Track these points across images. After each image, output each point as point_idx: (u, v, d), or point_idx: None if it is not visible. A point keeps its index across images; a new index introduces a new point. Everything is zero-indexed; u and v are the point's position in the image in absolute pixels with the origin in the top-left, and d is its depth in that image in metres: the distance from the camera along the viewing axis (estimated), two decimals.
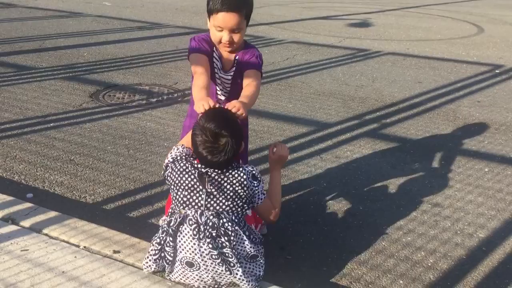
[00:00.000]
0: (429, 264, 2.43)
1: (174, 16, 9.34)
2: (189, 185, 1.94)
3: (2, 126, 3.88)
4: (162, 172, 2.07)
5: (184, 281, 2.03)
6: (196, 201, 1.94)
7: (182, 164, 1.97)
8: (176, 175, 1.96)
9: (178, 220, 1.96)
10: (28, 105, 4.33)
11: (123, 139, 3.72)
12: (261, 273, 2.06)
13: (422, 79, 5.71)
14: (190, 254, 1.94)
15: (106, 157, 3.42)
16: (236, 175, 1.95)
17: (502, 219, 2.85)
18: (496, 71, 6.18)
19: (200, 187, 1.93)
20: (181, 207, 1.96)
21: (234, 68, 2.26)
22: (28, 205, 2.57)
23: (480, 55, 7.03)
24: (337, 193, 3.07)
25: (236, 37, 2.13)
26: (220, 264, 1.94)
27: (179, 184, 1.95)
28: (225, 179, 1.94)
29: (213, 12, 2.09)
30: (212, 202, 1.93)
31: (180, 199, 1.96)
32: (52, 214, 2.50)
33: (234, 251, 1.93)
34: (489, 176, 3.38)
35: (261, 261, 2.05)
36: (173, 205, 2.02)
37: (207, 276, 1.99)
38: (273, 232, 2.60)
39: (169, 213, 2.06)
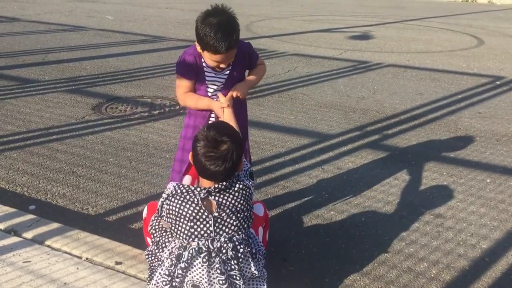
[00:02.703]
0: (432, 275, 2.42)
1: (176, 29, 9.41)
2: (193, 215, 1.86)
3: (5, 138, 3.90)
4: (158, 213, 1.98)
5: None
6: (204, 229, 1.87)
7: (179, 197, 1.89)
8: (176, 209, 1.88)
9: (193, 253, 1.87)
10: (31, 117, 4.35)
11: (125, 151, 3.73)
12: (265, 287, 2.03)
13: (423, 90, 5.73)
14: (198, 279, 1.90)
15: (108, 169, 3.43)
16: (237, 188, 1.91)
17: (505, 230, 2.84)
18: (497, 82, 6.20)
19: (206, 213, 1.86)
20: (190, 239, 1.89)
21: (228, 69, 2.36)
22: (30, 216, 2.58)
23: (481, 66, 7.06)
24: (339, 204, 3.07)
25: (231, 60, 2.31)
26: None
27: (182, 217, 1.87)
28: (229, 196, 1.89)
29: (209, 50, 2.18)
30: (221, 226, 1.88)
31: (186, 231, 1.88)
32: (55, 225, 2.50)
33: (241, 272, 1.91)
34: (491, 187, 3.38)
35: (265, 276, 2.03)
36: (178, 239, 1.94)
37: None
38: (275, 243, 2.60)
39: (155, 243, 2.07)
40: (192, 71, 2.32)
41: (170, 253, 1.98)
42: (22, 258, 2.21)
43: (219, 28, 2.13)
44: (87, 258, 2.26)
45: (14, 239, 2.36)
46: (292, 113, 4.75)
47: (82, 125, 4.22)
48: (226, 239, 1.88)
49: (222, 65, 2.28)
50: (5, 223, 2.49)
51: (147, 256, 2.13)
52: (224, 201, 1.88)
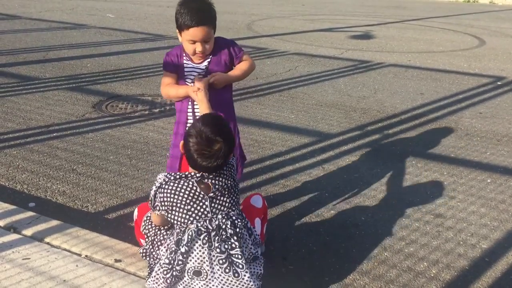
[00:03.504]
0: (432, 275, 2.42)
1: None
2: (189, 197, 1.90)
3: (6, 135, 3.90)
4: (150, 203, 2.00)
5: None
6: (201, 210, 1.92)
7: (173, 183, 1.92)
8: (172, 194, 1.91)
9: (192, 234, 1.90)
10: (31, 115, 4.35)
11: (126, 149, 3.73)
12: (262, 271, 2.05)
13: (424, 90, 5.72)
14: (199, 262, 1.92)
15: (108, 166, 3.43)
16: (226, 168, 1.98)
17: (505, 230, 2.84)
18: (498, 82, 6.20)
19: (202, 194, 1.91)
20: (188, 222, 1.92)
21: (207, 61, 2.45)
22: (30, 214, 2.58)
23: (482, 67, 7.05)
24: (339, 203, 3.07)
25: (207, 46, 2.37)
26: (227, 270, 1.92)
27: (178, 202, 1.91)
28: (221, 177, 1.96)
29: (183, 28, 2.32)
30: (216, 205, 1.94)
31: (183, 215, 1.92)
32: (54, 223, 2.50)
33: (242, 250, 1.93)
34: (491, 187, 3.38)
35: (261, 261, 2.06)
36: (176, 226, 1.97)
37: (213, 287, 1.96)
38: (275, 242, 2.59)
39: (150, 241, 2.10)
40: (174, 67, 2.47)
41: (167, 250, 1.99)
42: (21, 255, 2.21)
43: (192, 5, 2.31)
44: (86, 256, 2.25)
45: (13, 236, 2.36)
46: (292, 112, 4.75)
47: (82, 123, 4.22)
48: (223, 216, 1.93)
49: (198, 49, 2.34)
50: (5, 220, 2.49)
51: (142, 255, 2.15)
52: (218, 182, 1.94)
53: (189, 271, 1.95)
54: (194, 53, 2.38)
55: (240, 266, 1.93)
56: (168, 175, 1.96)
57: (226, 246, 1.92)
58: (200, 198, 1.91)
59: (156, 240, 2.13)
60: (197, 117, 1.99)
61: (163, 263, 1.95)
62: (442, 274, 2.42)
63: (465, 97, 5.50)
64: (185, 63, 2.46)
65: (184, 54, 2.47)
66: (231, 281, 1.95)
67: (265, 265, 2.31)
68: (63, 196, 3.01)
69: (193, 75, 2.44)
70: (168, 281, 1.96)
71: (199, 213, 1.92)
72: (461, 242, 2.70)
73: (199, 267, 1.93)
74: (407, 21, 11.92)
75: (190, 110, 2.47)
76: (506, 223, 2.91)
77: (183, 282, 1.98)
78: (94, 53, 6.93)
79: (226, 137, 1.90)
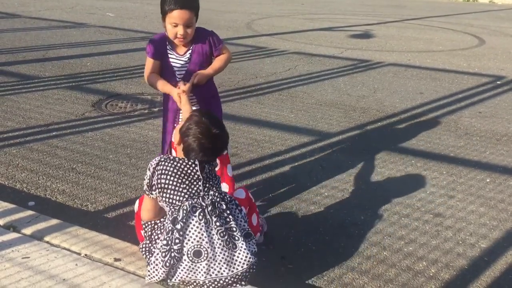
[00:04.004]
0: (431, 274, 2.42)
1: None
2: (185, 177, 2.01)
3: (5, 134, 3.90)
4: (147, 184, 2.06)
5: (191, 277, 2.00)
6: (195, 188, 2.02)
7: (171, 163, 2.03)
8: (169, 172, 2.01)
9: (188, 209, 2.00)
10: (31, 114, 4.35)
11: (125, 148, 3.73)
12: (256, 249, 2.11)
13: (423, 89, 5.72)
14: (198, 241, 1.98)
15: (108, 165, 3.43)
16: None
17: (504, 230, 2.84)
18: (498, 82, 6.20)
19: (197, 174, 2.02)
20: (183, 199, 2.01)
21: (189, 52, 2.56)
22: (29, 213, 2.58)
23: (482, 66, 7.05)
24: (338, 202, 3.07)
25: (189, 31, 2.47)
26: (227, 242, 1.99)
27: (174, 181, 2.01)
28: (212, 163, 2.12)
29: (167, 11, 2.44)
30: (207, 185, 2.05)
31: (178, 193, 2.01)
32: (54, 222, 2.50)
33: (236, 222, 2.04)
34: (490, 186, 3.38)
35: (254, 239, 2.13)
36: (170, 206, 2.04)
37: (215, 266, 1.99)
38: (274, 241, 2.60)
39: (148, 235, 2.16)
40: (157, 52, 2.56)
41: (163, 233, 2.07)
42: (21, 254, 2.21)
43: None
44: (86, 255, 2.25)
45: (13, 235, 2.36)
46: (292, 112, 4.75)
47: (82, 122, 4.22)
48: (215, 192, 2.05)
49: (180, 32, 2.43)
50: (4, 219, 2.49)
51: (141, 251, 2.18)
52: (209, 165, 2.08)
53: (189, 252, 1.98)
54: (175, 36, 2.47)
55: (236, 238, 2.02)
56: (164, 156, 2.08)
57: (222, 220, 2.02)
58: (195, 178, 2.02)
59: (154, 234, 2.16)
60: (196, 113, 2.11)
61: (161, 246, 2.02)
62: (441, 274, 2.43)
63: (464, 97, 5.51)
64: (169, 53, 2.56)
65: (167, 43, 2.57)
66: (231, 255, 2.00)
67: (264, 264, 2.33)
68: (62, 195, 3.01)
69: (177, 67, 2.56)
70: (167, 264, 1.99)
71: (193, 192, 2.02)
72: (460, 242, 2.71)
73: (198, 246, 1.98)
74: (407, 20, 11.92)
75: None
76: (505, 223, 2.91)
77: (185, 267, 2.00)
78: (94, 52, 6.93)
79: (224, 131, 2.08)
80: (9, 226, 2.44)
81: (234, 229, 2.03)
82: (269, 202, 3.02)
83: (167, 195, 2.03)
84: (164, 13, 2.47)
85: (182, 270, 2.01)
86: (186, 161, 2.03)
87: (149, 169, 2.06)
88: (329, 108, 4.90)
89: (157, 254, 2.03)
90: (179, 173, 2.01)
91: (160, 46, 2.57)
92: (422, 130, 4.40)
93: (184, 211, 2.00)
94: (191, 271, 2.00)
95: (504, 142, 4.19)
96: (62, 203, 2.93)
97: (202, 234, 1.98)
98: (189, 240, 1.98)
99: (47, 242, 2.33)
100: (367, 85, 5.83)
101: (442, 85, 5.98)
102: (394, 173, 3.51)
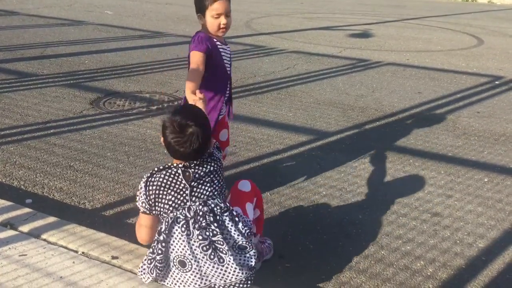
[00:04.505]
0: (429, 274, 2.42)
1: (176, 25, 9.39)
2: (171, 188, 1.96)
3: (3, 132, 3.88)
4: (138, 201, 2.00)
5: (180, 285, 1.99)
6: (181, 199, 1.96)
7: (158, 176, 1.97)
8: (156, 187, 1.96)
9: (170, 222, 1.96)
10: (28, 111, 4.34)
11: (123, 146, 3.72)
12: (253, 263, 2.00)
13: (422, 89, 5.73)
14: (181, 251, 1.95)
15: (105, 163, 3.42)
16: (210, 160, 2.03)
17: (502, 229, 2.84)
18: (496, 82, 6.21)
19: (183, 183, 1.96)
20: (168, 211, 1.97)
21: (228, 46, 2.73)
22: (27, 210, 2.57)
23: (480, 66, 7.06)
24: (336, 201, 3.07)
25: (229, 20, 2.58)
26: (211, 257, 1.93)
27: (162, 194, 1.95)
28: (204, 168, 2.00)
29: (208, 5, 2.53)
30: (195, 193, 1.98)
31: (166, 206, 1.96)
32: (51, 219, 2.49)
33: (224, 237, 1.95)
34: (488, 186, 3.38)
35: (251, 252, 2.01)
36: (160, 217, 2.00)
37: (204, 276, 1.96)
38: (272, 240, 2.59)
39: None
40: (208, 46, 2.56)
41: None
42: (18, 252, 2.21)
43: None
44: (83, 252, 2.25)
45: (10, 233, 2.35)
46: (290, 110, 4.75)
47: (80, 120, 4.21)
48: (200, 203, 1.97)
49: (223, 21, 2.54)
50: (1, 216, 2.48)
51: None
52: (200, 172, 1.99)
53: (175, 261, 1.96)
54: (219, 27, 2.56)
55: (223, 252, 1.95)
56: (155, 168, 2.02)
57: (207, 233, 1.94)
58: (181, 187, 1.96)
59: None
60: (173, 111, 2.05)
61: (148, 253, 2.01)
62: (439, 273, 2.43)
63: (463, 96, 5.51)
64: (218, 45, 2.63)
65: (210, 37, 2.61)
66: (218, 268, 1.95)
67: (262, 264, 2.32)
68: (60, 193, 3.00)
69: (227, 60, 2.68)
70: (152, 271, 1.98)
71: (180, 202, 1.96)
72: (458, 241, 2.71)
73: (182, 256, 1.95)
74: (406, 20, 11.92)
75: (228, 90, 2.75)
76: (503, 222, 2.92)
77: (172, 275, 1.98)
78: (92, 49, 6.91)
79: (199, 122, 1.96)
80: (6, 224, 2.43)
81: (221, 243, 1.94)
82: (267, 201, 3.01)
83: (158, 208, 1.98)
84: (203, 8, 2.55)
85: (174, 279, 1.99)
86: (173, 169, 1.97)
87: (141, 185, 1.99)
88: (327, 107, 4.90)
89: (145, 259, 2.03)
90: (166, 184, 1.96)
91: (208, 41, 2.58)
92: (420, 130, 4.40)
93: (167, 223, 1.96)
94: (179, 278, 1.98)
95: (502, 142, 4.19)
96: (60, 200, 2.92)
97: (185, 246, 1.94)
98: (173, 249, 1.96)
99: (45, 240, 2.32)
100: (366, 84, 5.83)
101: (441, 84, 5.99)
102: (392, 172, 3.51)
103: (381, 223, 2.85)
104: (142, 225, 2.07)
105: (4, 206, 2.59)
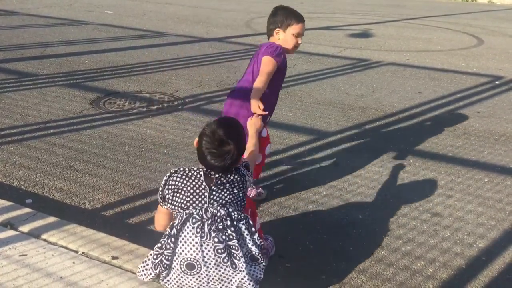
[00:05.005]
0: (429, 274, 2.42)
1: (176, 25, 9.38)
2: (190, 186, 1.97)
3: (3, 132, 3.88)
4: (160, 195, 2.03)
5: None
6: (199, 199, 1.96)
7: (183, 171, 2.01)
8: (178, 179, 1.99)
9: (184, 217, 1.95)
10: (28, 111, 4.34)
11: (123, 146, 3.72)
12: (261, 277, 2.04)
13: (422, 89, 5.72)
14: (192, 254, 1.93)
15: (105, 163, 3.42)
16: (235, 177, 2.03)
17: (502, 229, 2.84)
18: (496, 82, 6.21)
19: (204, 185, 1.97)
20: (185, 207, 1.97)
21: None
22: (27, 210, 2.57)
23: (480, 66, 7.06)
24: (337, 201, 3.07)
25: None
26: (225, 260, 1.93)
27: (181, 188, 1.97)
28: (226, 178, 2.01)
29: (292, 23, 2.78)
30: (214, 197, 1.97)
31: (183, 201, 1.97)
32: (51, 219, 2.49)
33: (240, 242, 1.95)
34: (488, 186, 3.38)
35: (262, 265, 2.03)
36: (174, 212, 2.01)
37: (207, 281, 1.96)
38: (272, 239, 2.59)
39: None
40: (282, 60, 2.78)
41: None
42: (18, 252, 2.21)
43: (290, 8, 2.86)
44: (83, 253, 2.25)
45: (10, 233, 2.35)
46: (290, 110, 4.75)
47: (80, 120, 4.21)
48: (218, 206, 1.96)
49: (299, 41, 2.81)
50: (2, 217, 2.48)
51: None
52: (223, 180, 2.00)
53: (182, 263, 1.95)
54: (295, 46, 2.81)
55: (237, 258, 1.94)
56: (180, 168, 2.05)
57: (223, 237, 1.93)
58: (201, 188, 1.97)
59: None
60: (215, 119, 2.06)
61: (156, 247, 2.00)
62: (439, 273, 2.43)
63: (463, 96, 5.51)
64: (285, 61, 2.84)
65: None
66: (227, 273, 1.95)
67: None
68: (60, 193, 3.00)
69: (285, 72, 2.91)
70: (156, 268, 1.97)
71: (197, 201, 1.96)
72: (458, 241, 2.71)
73: (191, 259, 1.93)
74: (406, 19, 11.92)
75: None
76: (503, 222, 2.92)
77: (175, 277, 1.98)
78: (92, 49, 6.91)
79: (238, 142, 1.98)
80: (6, 224, 2.43)
81: (236, 248, 1.94)
82: (267, 201, 3.01)
83: (174, 203, 1.99)
84: (286, 25, 2.78)
85: (173, 279, 1.98)
86: (194, 169, 2.00)
87: (163, 178, 2.04)
88: (327, 107, 4.90)
89: (150, 254, 2.02)
90: (187, 180, 1.97)
91: (283, 54, 2.79)
92: (420, 130, 4.40)
93: (181, 219, 1.96)
94: (180, 282, 1.98)
95: (502, 142, 4.19)
96: (60, 200, 2.92)
97: (197, 249, 1.93)
98: (183, 250, 1.94)
99: (45, 240, 2.32)
100: (366, 84, 5.83)
101: (441, 84, 5.99)
102: (392, 172, 3.51)
103: (381, 223, 2.85)
104: (160, 213, 2.11)
105: (4, 206, 2.59)
